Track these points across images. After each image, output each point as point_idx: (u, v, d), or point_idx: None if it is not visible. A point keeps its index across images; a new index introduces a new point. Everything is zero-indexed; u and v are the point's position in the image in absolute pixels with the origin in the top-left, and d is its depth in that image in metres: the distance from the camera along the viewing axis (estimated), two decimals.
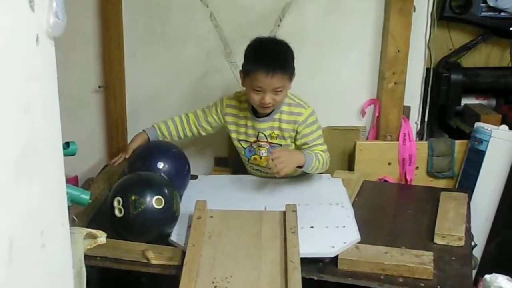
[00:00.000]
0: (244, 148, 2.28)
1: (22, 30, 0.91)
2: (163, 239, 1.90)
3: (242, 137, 2.27)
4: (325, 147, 2.21)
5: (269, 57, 2.07)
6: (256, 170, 2.32)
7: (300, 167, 2.10)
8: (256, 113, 2.21)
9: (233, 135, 2.29)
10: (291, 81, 2.14)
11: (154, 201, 1.86)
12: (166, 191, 1.91)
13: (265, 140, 2.24)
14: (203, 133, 2.35)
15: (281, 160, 2.01)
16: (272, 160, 2.02)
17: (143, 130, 2.32)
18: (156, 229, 1.89)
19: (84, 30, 2.52)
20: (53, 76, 1.04)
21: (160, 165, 2.09)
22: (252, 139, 2.25)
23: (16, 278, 0.91)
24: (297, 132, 2.20)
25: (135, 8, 2.51)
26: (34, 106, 0.96)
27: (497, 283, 0.94)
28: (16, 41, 0.89)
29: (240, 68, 2.18)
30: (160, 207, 1.87)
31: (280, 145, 2.23)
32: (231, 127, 2.28)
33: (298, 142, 2.21)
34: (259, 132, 2.22)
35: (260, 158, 2.27)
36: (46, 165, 1.02)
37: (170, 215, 1.91)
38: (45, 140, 1.01)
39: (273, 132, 2.22)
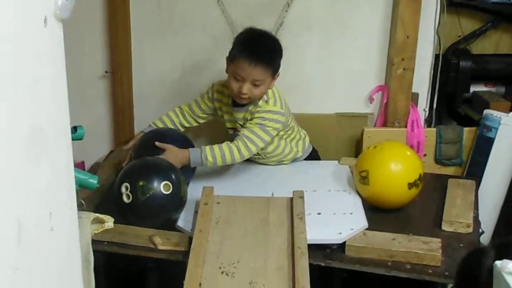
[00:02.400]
0: (229, 135, 2.28)
1: (30, 11, 0.90)
2: (170, 224, 1.90)
3: (228, 124, 2.29)
4: (252, 136, 2.08)
5: (256, 47, 2.07)
6: (253, 162, 2.33)
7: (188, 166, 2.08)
8: (234, 102, 2.20)
9: (224, 121, 2.30)
10: (274, 78, 2.12)
11: (162, 187, 1.86)
12: (173, 176, 1.91)
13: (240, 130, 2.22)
14: (201, 121, 2.36)
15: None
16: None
17: (142, 131, 2.33)
18: (163, 214, 1.89)
19: (92, 15, 2.50)
20: (61, 59, 1.03)
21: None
22: (235, 125, 2.25)
23: (25, 258, 0.91)
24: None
25: None
26: (42, 88, 0.95)
27: (508, 269, 0.93)
28: (24, 23, 0.88)
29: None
30: (168, 192, 1.87)
31: None
32: (219, 113, 2.30)
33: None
34: (236, 121, 2.22)
35: None
36: (54, 148, 1.02)
37: (177, 200, 1.91)
38: (53, 122, 1.01)
39: (245, 122, 2.19)
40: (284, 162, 2.33)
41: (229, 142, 2.10)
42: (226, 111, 2.27)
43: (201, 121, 2.36)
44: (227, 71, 2.15)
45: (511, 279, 0.99)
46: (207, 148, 2.07)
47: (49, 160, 0.99)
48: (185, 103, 2.37)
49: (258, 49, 2.06)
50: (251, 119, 2.14)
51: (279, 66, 2.12)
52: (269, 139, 2.13)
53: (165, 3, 2.51)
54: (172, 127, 2.32)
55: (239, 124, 2.22)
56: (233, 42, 2.16)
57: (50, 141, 0.99)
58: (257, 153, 2.20)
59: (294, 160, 2.34)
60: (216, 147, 2.08)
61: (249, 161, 2.36)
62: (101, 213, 1.62)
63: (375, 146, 2.06)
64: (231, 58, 2.11)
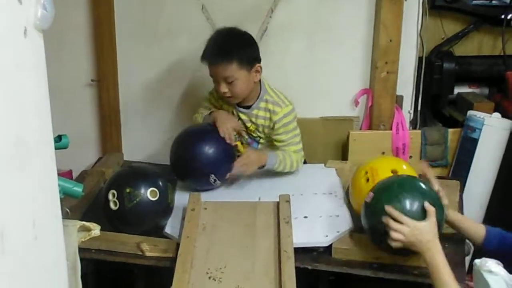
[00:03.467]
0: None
1: (10, 22, 0.91)
2: (158, 231, 1.91)
3: None
4: (299, 147, 2.22)
5: (213, 46, 2.10)
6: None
7: (262, 167, 2.12)
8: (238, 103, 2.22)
9: None
10: (251, 71, 2.09)
11: (149, 193, 1.87)
12: (160, 183, 1.91)
13: (245, 129, 2.25)
14: None
15: (245, 163, 2.07)
16: (238, 163, 2.07)
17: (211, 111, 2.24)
18: (151, 221, 1.90)
19: (77, 23, 2.51)
20: (42, 69, 1.04)
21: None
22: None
23: (8, 269, 0.92)
24: (273, 128, 2.20)
25: (127, 1, 2.50)
26: (23, 99, 0.96)
27: (486, 267, 0.95)
28: (3, 34, 0.89)
29: None
30: (155, 199, 1.87)
31: (260, 137, 2.25)
32: None
33: (274, 138, 2.22)
34: (239, 119, 2.23)
35: (242, 144, 2.26)
36: (37, 158, 1.02)
37: (165, 206, 1.92)
38: (35, 133, 1.01)
39: (252, 125, 2.23)
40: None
41: (292, 154, 2.19)
42: (232, 113, 2.26)
43: None
44: None
45: (490, 277, 1.01)
46: (280, 154, 2.16)
47: (31, 170, 1.00)
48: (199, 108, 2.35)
49: (214, 47, 2.09)
50: (275, 128, 2.18)
51: (249, 57, 2.09)
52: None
53: (150, 11, 2.52)
54: None
55: (244, 124, 2.23)
56: None
57: (33, 151, 1.00)
58: None
59: None
60: (286, 155, 2.17)
61: None
62: (88, 221, 1.62)
63: (366, 174, 1.92)
64: (202, 62, 2.14)
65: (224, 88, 2.09)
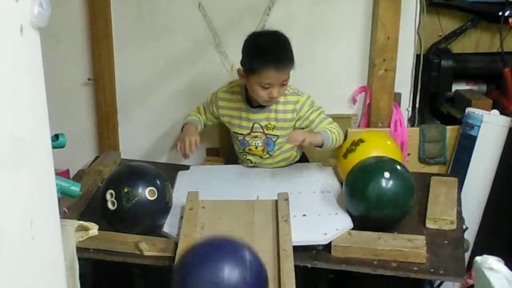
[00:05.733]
0: (239, 140, 2.28)
1: (6, 20, 0.90)
2: (156, 230, 1.90)
3: (236, 129, 2.27)
4: (330, 119, 2.22)
5: (276, 51, 2.07)
6: (247, 159, 2.32)
7: (320, 146, 2.12)
8: (251, 103, 2.21)
9: (229, 127, 2.30)
10: None
11: (147, 193, 1.86)
12: (158, 182, 1.90)
13: (261, 130, 2.23)
14: (208, 127, 2.41)
15: (298, 135, 2.05)
16: (295, 140, 2.05)
17: (187, 123, 2.31)
18: (149, 220, 1.89)
19: (72, 22, 2.50)
20: (39, 67, 1.03)
21: None
22: (246, 131, 2.24)
23: (6, 269, 0.91)
24: (298, 118, 2.20)
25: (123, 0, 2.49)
26: (20, 97, 0.95)
27: (487, 264, 0.95)
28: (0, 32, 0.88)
29: (237, 64, 2.16)
30: (153, 198, 1.87)
31: (277, 136, 2.23)
32: (226, 119, 2.29)
33: (303, 125, 2.22)
34: (254, 123, 2.21)
35: (256, 148, 2.26)
36: (34, 157, 1.01)
37: (163, 206, 1.91)
38: (32, 132, 1.01)
39: (269, 123, 2.21)
40: (283, 165, 2.33)
41: (330, 128, 2.17)
42: (237, 116, 2.25)
43: (208, 127, 2.41)
44: (245, 82, 2.14)
45: (491, 274, 1.01)
46: (326, 130, 2.15)
47: (29, 169, 0.99)
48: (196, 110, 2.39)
49: (280, 54, 2.06)
50: (304, 115, 2.19)
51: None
52: None
53: (146, 9, 2.51)
54: (202, 122, 2.35)
55: (258, 124, 2.22)
56: (246, 53, 2.11)
57: (30, 150, 0.99)
58: (267, 152, 2.25)
59: (291, 161, 2.35)
60: (329, 129, 2.15)
61: (237, 163, 2.37)
62: (86, 220, 1.61)
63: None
64: (253, 70, 2.06)
65: (277, 92, 2.09)
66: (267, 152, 2.26)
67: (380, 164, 1.92)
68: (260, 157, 2.28)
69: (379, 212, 1.85)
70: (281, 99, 2.18)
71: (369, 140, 2.18)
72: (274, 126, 2.21)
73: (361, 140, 2.18)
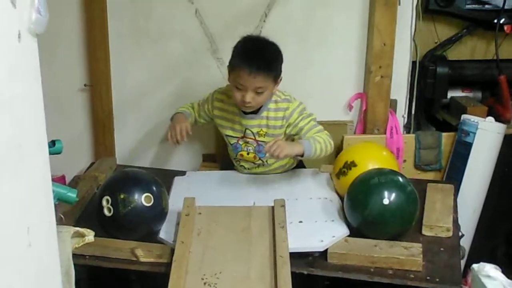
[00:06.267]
0: (231, 144, 2.28)
1: (4, 26, 0.90)
2: (152, 236, 1.90)
3: (229, 132, 2.27)
4: (320, 127, 2.18)
5: (255, 55, 2.07)
6: (241, 166, 2.32)
7: (301, 156, 2.09)
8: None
9: (221, 130, 2.29)
10: (277, 83, 2.13)
11: (143, 199, 1.86)
12: (154, 188, 1.90)
13: (252, 137, 2.23)
14: (202, 121, 2.38)
15: (277, 145, 2.00)
16: (269, 147, 2.00)
17: (178, 112, 2.31)
18: (145, 226, 1.89)
19: (69, 28, 2.50)
20: (36, 73, 1.03)
21: None
22: (239, 134, 2.24)
23: (2, 275, 0.90)
24: (288, 125, 2.19)
25: (119, 6, 2.49)
26: (17, 103, 0.95)
27: (484, 271, 0.95)
28: None
29: (228, 63, 2.17)
30: (149, 204, 1.86)
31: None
32: (218, 121, 2.29)
33: (293, 132, 2.21)
34: (246, 128, 2.22)
35: (248, 154, 2.26)
36: (31, 163, 1.01)
37: (159, 212, 1.91)
38: (29, 138, 1.00)
39: (261, 129, 2.21)
40: (278, 171, 2.33)
41: (318, 135, 2.12)
42: (231, 120, 2.25)
43: (201, 122, 2.38)
44: (228, 80, 2.16)
45: (488, 281, 1.01)
46: (310, 139, 2.10)
47: (26, 175, 0.99)
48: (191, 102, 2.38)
49: (257, 58, 2.06)
50: (293, 122, 2.16)
51: (280, 71, 2.12)
52: None
53: (143, 15, 2.51)
54: (193, 116, 2.34)
55: (250, 131, 2.22)
56: (232, 51, 2.14)
57: (27, 156, 0.99)
58: (259, 158, 2.24)
59: (288, 168, 2.35)
60: (315, 138, 2.10)
61: (233, 169, 2.37)
62: (82, 227, 1.61)
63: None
64: (232, 68, 2.10)
65: (250, 98, 2.07)
66: (260, 159, 2.26)
67: (381, 179, 1.89)
68: (253, 163, 2.28)
69: (381, 228, 1.85)
70: (272, 106, 2.18)
71: (361, 165, 2.10)
72: (266, 133, 2.21)
73: (353, 164, 2.12)
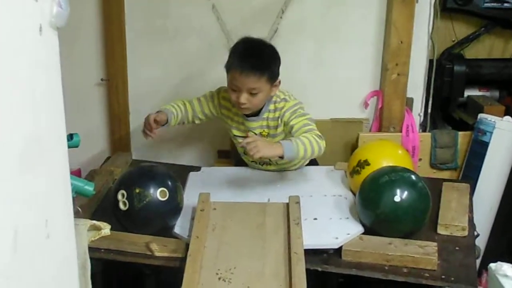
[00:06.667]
0: (239, 142, 2.27)
1: (26, 20, 0.91)
2: (167, 231, 1.90)
3: (235, 132, 2.26)
4: (310, 127, 2.07)
5: (247, 56, 2.06)
6: (252, 161, 2.32)
7: (281, 157, 1.98)
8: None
9: (228, 129, 2.29)
10: (274, 86, 2.10)
11: (158, 193, 1.86)
12: (169, 183, 1.91)
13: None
14: (197, 122, 2.33)
15: (255, 144, 1.94)
16: (247, 143, 1.95)
17: (160, 111, 2.23)
18: (160, 221, 1.90)
19: (87, 23, 2.51)
20: (57, 67, 1.04)
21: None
22: (244, 134, 2.22)
23: (20, 266, 0.91)
24: (283, 124, 2.16)
25: (137, 1, 2.50)
26: (39, 96, 0.96)
27: (502, 271, 0.94)
28: (19, 31, 0.89)
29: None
30: (164, 199, 1.87)
31: None
32: (226, 121, 2.28)
33: (286, 131, 2.17)
34: (249, 130, 2.21)
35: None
36: (51, 156, 1.02)
37: (174, 206, 1.92)
38: (49, 131, 1.01)
39: (263, 130, 2.20)
40: (291, 168, 2.31)
41: (305, 136, 2.00)
42: (236, 121, 2.24)
43: (198, 122, 2.33)
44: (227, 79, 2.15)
45: (505, 281, 1.00)
46: (293, 140, 1.99)
47: (45, 168, 1.00)
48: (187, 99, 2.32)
49: (249, 58, 2.05)
50: (286, 120, 2.12)
51: (276, 73, 2.10)
52: None
53: (160, 10, 2.52)
54: (178, 121, 2.27)
55: (253, 132, 2.20)
56: (229, 52, 2.14)
57: (46, 149, 1.00)
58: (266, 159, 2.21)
59: (301, 166, 2.34)
60: (301, 138, 1.99)
61: (246, 166, 2.37)
62: (97, 220, 1.62)
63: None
64: (227, 69, 2.10)
65: (244, 99, 2.06)
66: (265, 158, 2.23)
67: (392, 177, 1.89)
68: (259, 163, 2.29)
69: (393, 225, 1.84)
70: (272, 107, 2.16)
71: (374, 164, 2.08)
72: (268, 133, 2.21)
73: (366, 163, 2.11)
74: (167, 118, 2.19)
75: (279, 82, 2.12)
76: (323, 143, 2.02)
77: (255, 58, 2.06)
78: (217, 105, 2.27)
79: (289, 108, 2.13)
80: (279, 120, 2.16)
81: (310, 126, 2.08)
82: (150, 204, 1.85)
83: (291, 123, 2.10)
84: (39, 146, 0.97)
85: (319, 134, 2.04)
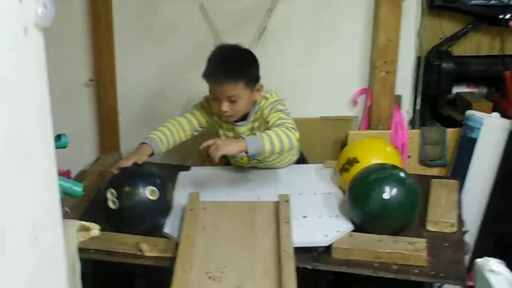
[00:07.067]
0: None
1: (10, 21, 0.90)
2: (157, 230, 1.90)
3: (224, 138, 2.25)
4: (283, 121, 2.01)
5: (220, 64, 2.05)
6: (240, 167, 2.32)
7: (247, 152, 1.95)
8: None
9: (219, 135, 2.25)
10: (254, 90, 2.08)
11: (148, 192, 1.86)
12: (159, 181, 1.91)
13: None
14: (196, 134, 2.28)
15: (214, 145, 1.91)
16: (207, 145, 1.93)
17: (144, 143, 2.12)
18: (150, 219, 1.90)
19: (75, 23, 2.50)
20: (43, 67, 1.03)
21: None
22: None
23: (8, 269, 0.91)
24: (264, 120, 2.13)
25: (125, 1, 2.49)
26: (24, 98, 0.95)
27: (488, 266, 0.95)
28: (3, 32, 0.88)
29: None
30: (154, 198, 1.87)
31: None
32: (217, 128, 2.26)
33: (263, 128, 2.13)
34: (239, 136, 2.20)
35: (242, 159, 2.24)
36: (37, 157, 1.02)
37: (164, 205, 1.92)
38: (35, 131, 1.01)
39: (251, 132, 2.17)
40: (280, 166, 2.32)
41: (274, 130, 1.97)
42: (226, 128, 2.22)
43: (196, 133, 2.27)
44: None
45: (492, 276, 1.01)
46: (259, 134, 1.96)
47: (32, 169, 0.99)
48: (178, 115, 2.26)
49: (222, 66, 2.04)
50: (265, 117, 2.09)
51: (254, 77, 2.07)
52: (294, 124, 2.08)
53: (148, 10, 2.51)
54: (172, 142, 2.18)
55: (242, 137, 2.16)
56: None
57: (33, 151, 0.99)
58: (252, 160, 2.21)
59: (290, 163, 2.34)
60: (268, 132, 1.96)
61: (235, 165, 2.37)
62: (87, 221, 1.62)
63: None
64: (205, 79, 2.07)
65: (226, 107, 2.04)
66: (253, 160, 2.24)
67: (380, 174, 1.90)
68: (248, 165, 2.29)
69: (382, 222, 1.85)
70: (257, 108, 2.14)
71: (363, 161, 2.09)
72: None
73: (355, 160, 2.12)
74: (152, 150, 2.09)
75: (261, 85, 2.10)
76: (293, 134, 1.97)
77: (228, 65, 2.04)
78: (211, 114, 2.23)
79: (269, 105, 2.11)
80: (262, 116, 2.14)
81: (283, 120, 2.03)
82: (139, 202, 1.86)
83: (267, 119, 2.08)
84: (24, 147, 0.96)
85: (292, 126, 2.00)
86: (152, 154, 2.09)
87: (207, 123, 2.25)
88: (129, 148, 2.63)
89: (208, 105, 2.23)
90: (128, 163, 1.97)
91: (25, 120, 0.96)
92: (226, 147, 1.90)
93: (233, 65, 2.05)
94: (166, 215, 1.94)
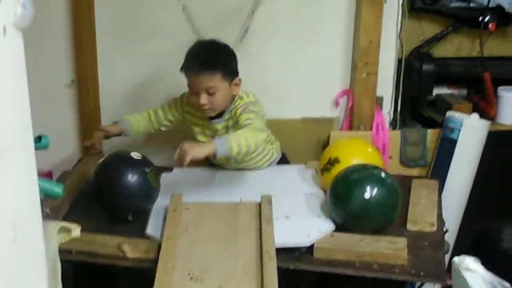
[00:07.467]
0: None
1: None
2: (139, 231, 1.90)
3: (201, 138, 2.26)
4: (250, 121, 2.02)
5: (197, 56, 2.08)
6: (221, 168, 2.33)
7: (215, 154, 1.91)
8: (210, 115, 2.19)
9: (194, 134, 2.28)
10: (232, 83, 2.10)
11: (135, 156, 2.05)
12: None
13: None
14: (163, 129, 2.35)
15: (183, 149, 1.86)
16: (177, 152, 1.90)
17: (118, 122, 2.33)
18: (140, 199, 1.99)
19: (56, 23, 2.49)
20: (22, 68, 1.03)
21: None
22: (208, 139, 2.20)
23: None
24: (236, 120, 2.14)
25: (106, 1, 2.48)
26: (2, 98, 0.95)
27: (465, 264, 0.97)
28: None
29: None
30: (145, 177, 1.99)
31: None
32: (191, 126, 2.28)
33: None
34: (216, 133, 2.21)
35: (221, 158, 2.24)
36: (16, 158, 1.01)
37: (149, 189, 2.01)
38: (14, 132, 1.00)
39: (227, 131, 2.18)
40: (262, 166, 2.33)
41: (239, 132, 1.98)
42: (201, 125, 2.24)
43: (164, 129, 2.35)
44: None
45: (468, 274, 1.03)
46: (226, 136, 1.96)
47: (11, 171, 0.99)
48: (152, 109, 2.36)
49: (198, 57, 2.07)
50: (237, 116, 2.10)
51: (231, 70, 2.10)
52: (264, 126, 2.12)
53: (131, 11, 2.50)
54: (140, 130, 2.36)
55: (219, 135, 2.18)
56: None
57: (12, 151, 0.99)
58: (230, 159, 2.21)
59: (270, 163, 2.35)
60: (235, 134, 1.96)
61: (218, 166, 2.37)
62: (70, 222, 1.61)
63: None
64: (183, 73, 2.11)
65: (204, 100, 2.06)
66: (230, 159, 2.23)
67: (361, 174, 1.93)
68: (227, 164, 2.30)
69: (364, 222, 1.87)
70: (232, 106, 2.16)
71: (344, 162, 2.11)
72: None
73: (336, 160, 2.14)
74: (120, 129, 2.29)
75: (240, 80, 2.13)
76: (257, 135, 1.98)
77: (205, 57, 2.07)
78: (180, 111, 2.28)
79: (243, 105, 2.13)
80: (236, 116, 2.15)
81: (250, 120, 2.03)
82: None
83: (238, 118, 2.10)
84: (3, 147, 0.96)
85: (258, 127, 2.02)
86: (120, 134, 2.31)
87: (176, 119, 2.30)
88: (112, 148, 2.62)
89: (181, 102, 2.26)
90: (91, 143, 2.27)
91: (3, 121, 0.96)
92: (194, 150, 1.86)
93: (210, 57, 2.08)
94: (152, 200, 2.03)
